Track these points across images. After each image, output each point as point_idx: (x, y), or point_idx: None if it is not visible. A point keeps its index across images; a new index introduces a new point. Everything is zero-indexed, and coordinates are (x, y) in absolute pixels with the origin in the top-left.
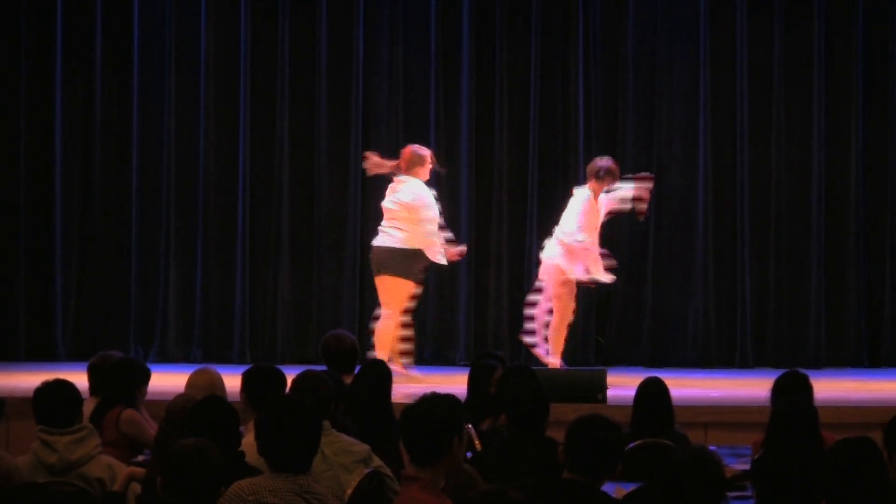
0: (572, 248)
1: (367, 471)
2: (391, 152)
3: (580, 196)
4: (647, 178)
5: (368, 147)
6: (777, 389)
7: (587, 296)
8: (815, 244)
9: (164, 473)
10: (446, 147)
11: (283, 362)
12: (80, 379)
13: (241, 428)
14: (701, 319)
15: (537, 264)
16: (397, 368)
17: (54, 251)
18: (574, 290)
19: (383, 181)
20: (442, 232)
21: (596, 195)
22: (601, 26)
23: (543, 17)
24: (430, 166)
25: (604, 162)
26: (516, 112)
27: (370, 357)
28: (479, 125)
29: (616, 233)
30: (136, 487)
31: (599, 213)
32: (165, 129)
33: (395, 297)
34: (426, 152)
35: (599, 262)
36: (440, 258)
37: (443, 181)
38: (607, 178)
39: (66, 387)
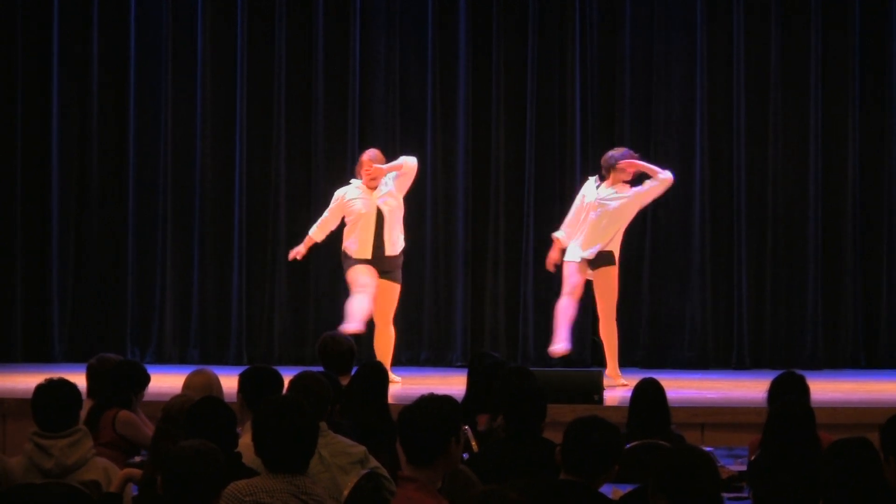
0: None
1: (363, 472)
2: (387, 151)
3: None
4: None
5: (365, 146)
6: (774, 390)
7: (585, 296)
8: (812, 244)
9: (164, 474)
10: (443, 146)
11: (280, 363)
12: (76, 380)
13: (238, 429)
14: (698, 320)
15: (534, 264)
16: None
17: (51, 252)
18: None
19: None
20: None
21: (613, 185)
22: (598, 23)
23: (540, 15)
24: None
25: (611, 153)
26: (513, 110)
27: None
28: (476, 124)
29: None
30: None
31: (585, 207)
32: (162, 130)
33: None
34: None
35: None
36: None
37: (439, 180)
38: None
39: (68, 387)
